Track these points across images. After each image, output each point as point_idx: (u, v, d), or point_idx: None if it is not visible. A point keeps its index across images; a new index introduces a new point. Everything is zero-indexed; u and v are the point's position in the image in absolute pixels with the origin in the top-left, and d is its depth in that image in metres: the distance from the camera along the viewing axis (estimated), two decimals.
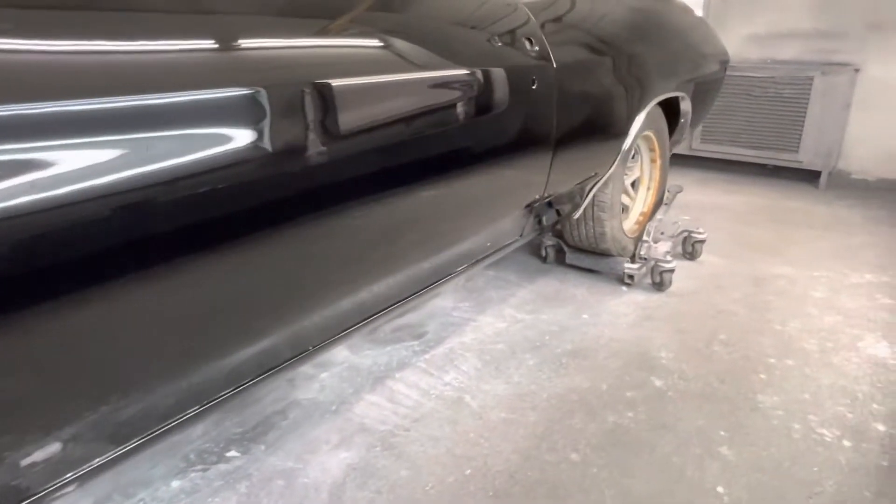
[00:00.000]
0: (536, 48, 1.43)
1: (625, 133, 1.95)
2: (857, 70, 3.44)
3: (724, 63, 2.85)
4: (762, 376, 1.65)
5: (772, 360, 1.73)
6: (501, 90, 1.30)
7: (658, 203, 2.50)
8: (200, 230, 0.76)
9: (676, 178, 3.76)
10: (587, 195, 1.99)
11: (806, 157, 3.49)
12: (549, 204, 1.75)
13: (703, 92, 2.58)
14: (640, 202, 2.48)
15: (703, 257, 2.49)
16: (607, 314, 2.04)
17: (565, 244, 2.36)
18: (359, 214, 1.03)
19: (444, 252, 1.38)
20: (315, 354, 1.15)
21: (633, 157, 2.38)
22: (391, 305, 1.28)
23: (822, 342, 1.82)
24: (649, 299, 2.14)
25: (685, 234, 2.48)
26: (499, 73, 1.29)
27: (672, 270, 2.16)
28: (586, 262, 2.33)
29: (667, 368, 1.70)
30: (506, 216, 1.56)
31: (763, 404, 1.53)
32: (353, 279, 1.11)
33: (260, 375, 1.01)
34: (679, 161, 4.08)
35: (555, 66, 1.48)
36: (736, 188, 3.55)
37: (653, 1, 2.28)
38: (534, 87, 1.40)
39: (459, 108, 1.20)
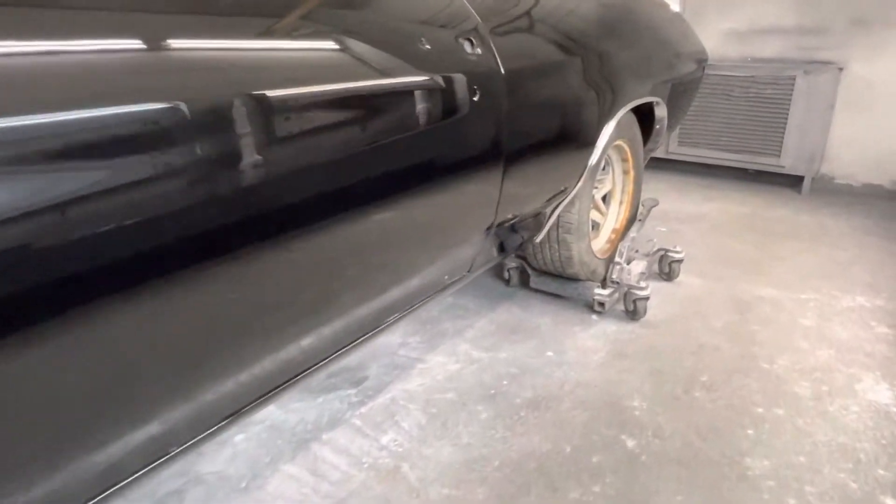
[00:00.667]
0: (479, 51, 1.17)
1: (592, 145, 1.70)
2: (840, 69, 3.25)
3: (703, 62, 2.63)
4: (749, 432, 1.42)
5: (760, 410, 1.50)
6: (430, 104, 1.04)
7: (632, 219, 2.26)
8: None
9: (652, 183, 3.54)
10: (550, 217, 1.74)
11: (788, 162, 3.30)
12: (505, 230, 1.50)
13: (680, 93, 2.35)
14: (612, 218, 2.24)
15: (681, 277, 2.26)
16: (574, 350, 1.80)
17: (529, 267, 2.12)
18: (262, 258, 0.80)
19: (368, 301, 1.12)
20: (217, 433, 0.89)
21: (603, 169, 2.14)
22: (295, 376, 1.02)
23: (815, 385, 1.60)
24: (622, 330, 1.91)
25: (661, 252, 2.25)
26: (427, 84, 1.03)
27: (647, 298, 1.93)
28: (552, 286, 2.09)
29: (640, 422, 1.47)
30: (448, 251, 1.31)
31: (752, 471, 1.30)
32: (261, 336, 0.86)
33: (135, 475, 0.77)
34: (655, 165, 3.86)
35: (503, 72, 1.23)
36: (715, 194, 3.35)
37: None
38: (475, 99, 1.14)
39: (374, 129, 0.94)
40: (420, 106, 1.03)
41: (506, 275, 2.22)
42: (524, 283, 2.17)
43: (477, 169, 1.22)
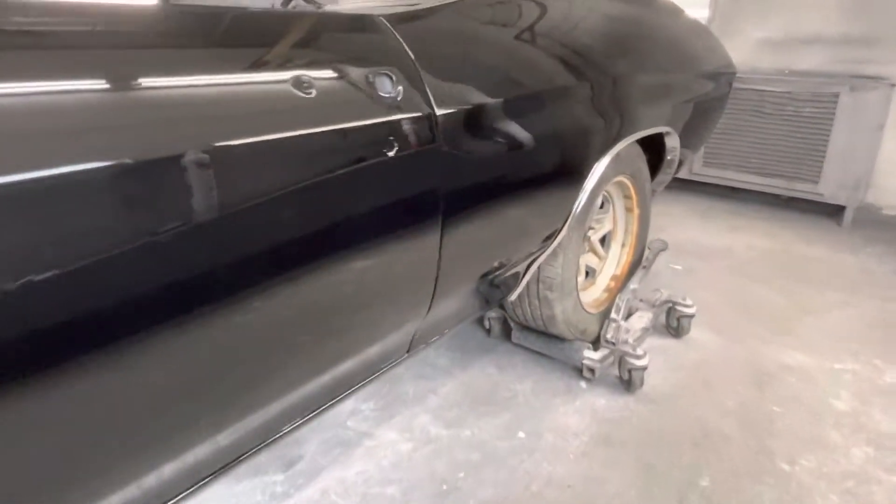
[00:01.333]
0: (400, 89, 0.89)
1: (577, 189, 1.41)
2: (893, 85, 2.85)
3: (730, 77, 2.29)
4: None
5: None
6: (322, 162, 0.78)
7: (636, 263, 1.95)
8: None
9: (673, 206, 3.20)
10: (526, 273, 1.46)
11: (828, 189, 2.91)
12: (460, 296, 1.22)
13: (703, 113, 2.03)
14: (612, 263, 1.93)
15: (692, 333, 1.94)
16: (552, 432, 1.51)
17: (510, 319, 1.83)
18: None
19: (277, 399, 0.88)
20: None
21: (601, 208, 1.84)
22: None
23: (845, 499, 1.28)
24: (613, 405, 1.60)
25: (669, 304, 1.93)
26: (310, 140, 0.76)
27: (644, 368, 1.62)
28: (536, 344, 1.79)
29: None
30: (373, 337, 1.04)
31: None
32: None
33: None
34: (678, 187, 3.51)
35: (438, 114, 0.94)
36: (742, 223, 2.98)
37: (628, 4, 1.72)
38: (390, 155, 0.86)
39: (243, 195, 0.68)
40: (314, 166, 0.76)
41: (486, 324, 1.93)
42: (507, 334, 1.88)
43: (396, 238, 0.94)
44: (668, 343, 1.90)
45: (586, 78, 1.35)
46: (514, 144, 1.14)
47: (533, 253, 1.38)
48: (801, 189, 2.99)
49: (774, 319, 2.05)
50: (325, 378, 0.98)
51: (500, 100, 1.08)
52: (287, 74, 0.76)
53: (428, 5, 1.06)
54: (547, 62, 1.25)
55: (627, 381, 1.65)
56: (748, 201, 3.28)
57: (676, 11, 1.95)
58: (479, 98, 1.04)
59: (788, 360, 1.81)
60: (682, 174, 3.36)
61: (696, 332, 1.94)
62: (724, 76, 2.18)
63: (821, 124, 2.86)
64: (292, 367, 0.88)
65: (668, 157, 1.92)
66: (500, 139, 1.10)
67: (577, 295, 1.66)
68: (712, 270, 2.44)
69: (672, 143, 1.86)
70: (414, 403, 1.63)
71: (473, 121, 1.02)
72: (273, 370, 0.84)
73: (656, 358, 1.80)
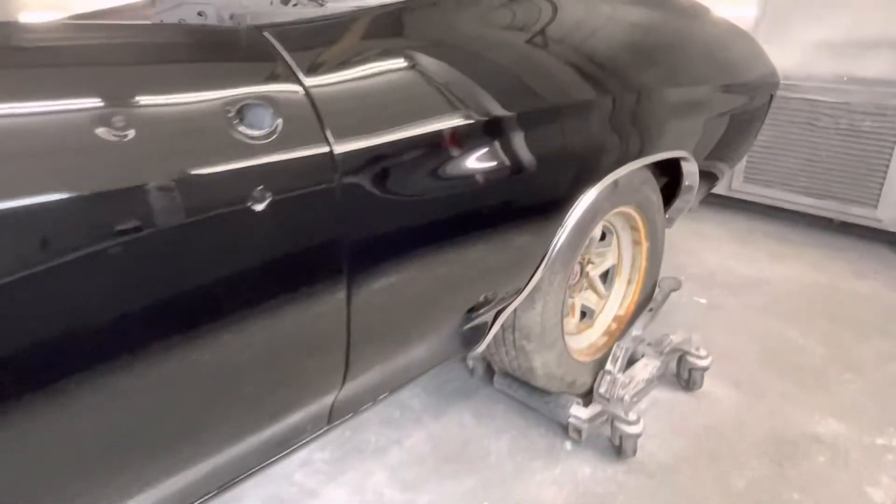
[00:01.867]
0: (279, 122, 0.71)
1: (550, 228, 1.19)
2: None
3: (771, 87, 2.00)
4: None
5: None
6: (152, 223, 0.60)
7: (643, 302, 1.71)
8: None
9: (708, 227, 2.89)
10: (493, 325, 1.25)
11: (888, 215, 2.55)
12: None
13: (736, 126, 1.77)
14: (616, 301, 1.69)
15: (707, 385, 1.68)
16: None
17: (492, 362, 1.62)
18: None
19: (192, 466, 0.74)
20: None
21: (602, 240, 1.60)
22: None
23: None
24: (598, 476, 1.38)
25: (679, 353, 1.67)
26: (132, 195, 0.58)
27: (637, 435, 1.38)
28: (519, 393, 1.58)
29: None
30: (280, 403, 0.86)
31: None
32: None
33: None
34: (716, 202, 3.19)
35: (338, 151, 0.75)
36: (785, 251, 2.65)
37: (644, 7, 1.48)
38: (257, 207, 0.68)
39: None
40: (130, 229, 0.59)
41: (469, 363, 1.73)
42: (491, 376, 1.67)
43: (286, 302, 0.76)
44: (677, 398, 1.65)
45: (568, 97, 1.13)
46: (455, 179, 0.93)
47: (496, 302, 1.17)
48: (857, 213, 2.63)
49: (808, 373, 1.76)
50: (230, 453, 0.82)
51: (435, 127, 0.88)
52: (89, 108, 0.58)
53: (335, 14, 0.87)
54: (505, 78, 1.03)
55: (618, 447, 1.42)
56: (796, 223, 2.94)
57: (701, 14, 1.69)
58: (402, 126, 0.83)
59: (819, 428, 1.53)
60: (720, 189, 3.04)
61: (711, 385, 1.68)
62: (762, 87, 1.90)
63: (882, 140, 2.50)
64: (191, 442, 0.74)
65: (686, 183, 1.66)
66: (433, 173, 0.89)
67: (564, 344, 1.43)
68: (742, 307, 2.15)
69: (690, 168, 1.60)
70: (373, 456, 1.45)
71: (394, 154, 0.83)
72: (177, 441, 0.73)
73: (659, 417, 1.56)
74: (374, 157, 0.79)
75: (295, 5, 1.40)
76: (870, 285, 2.32)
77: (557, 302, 1.34)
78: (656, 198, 1.58)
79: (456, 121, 0.91)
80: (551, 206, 1.16)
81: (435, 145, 0.88)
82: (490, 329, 1.25)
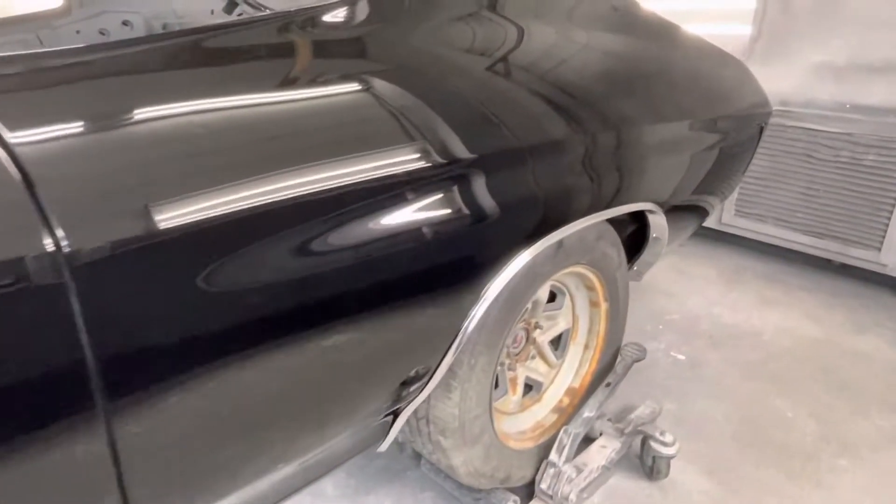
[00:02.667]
0: None
1: (459, 302, 0.93)
2: None
3: (763, 118, 1.76)
4: None
5: None
6: None
7: (603, 372, 1.46)
8: None
9: (695, 264, 2.64)
10: (393, 424, 1.00)
11: (893, 259, 2.29)
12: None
13: (725, 158, 1.54)
14: (570, 371, 1.44)
15: (674, 472, 1.42)
16: None
17: None
18: None
19: None
20: None
21: (550, 301, 1.36)
22: None
23: None
24: None
25: (641, 435, 1.42)
26: None
27: None
28: (447, 484, 1.32)
29: None
30: None
31: None
32: None
33: None
34: (704, 237, 2.93)
35: (68, 248, 0.51)
36: (778, 296, 2.39)
37: (606, 32, 1.24)
38: None
39: None
40: None
41: (399, 437, 1.48)
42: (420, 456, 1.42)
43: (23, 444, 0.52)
44: (639, 487, 1.40)
45: (482, 144, 0.88)
46: (301, 253, 0.68)
47: (390, 404, 0.92)
48: (859, 256, 2.38)
49: (796, 457, 1.50)
50: None
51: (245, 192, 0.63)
52: None
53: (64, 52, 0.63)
54: (374, 115, 0.79)
55: None
56: (791, 262, 2.68)
57: (681, 40, 1.45)
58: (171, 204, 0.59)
59: None
60: (710, 222, 2.79)
61: (680, 472, 1.43)
62: (751, 117, 1.66)
63: (887, 176, 2.25)
64: None
65: (654, 236, 1.41)
66: (227, 254, 0.64)
67: (493, 435, 1.18)
68: (726, 364, 1.89)
69: (657, 220, 1.35)
70: None
71: (167, 239, 0.58)
72: None
73: None
74: (119, 254, 0.54)
75: (240, 14, 1.18)
76: (871, 342, 2.06)
77: (482, 389, 1.09)
78: (617, 253, 1.34)
79: (298, 180, 0.67)
80: (461, 278, 0.91)
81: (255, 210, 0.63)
82: (392, 428, 1.00)
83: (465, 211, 0.85)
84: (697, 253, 2.79)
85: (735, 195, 2.66)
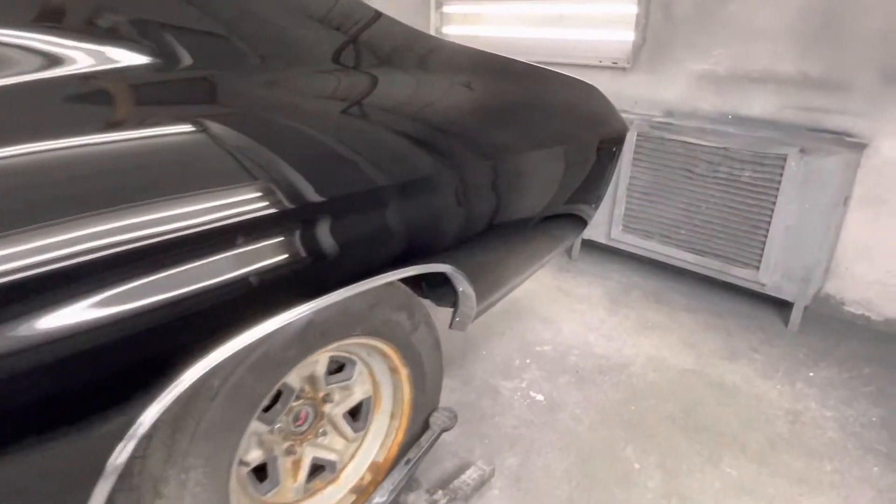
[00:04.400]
0: None
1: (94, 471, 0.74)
2: (863, 145, 2.14)
3: (615, 143, 1.64)
4: None
5: None
6: None
7: (409, 442, 1.30)
8: None
9: (584, 283, 2.52)
10: None
11: (770, 279, 2.22)
12: None
13: (580, 176, 1.42)
14: (374, 444, 1.29)
15: None
16: None
17: None
18: None
19: None
20: None
21: (340, 370, 1.20)
22: None
23: None
24: None
25: None
26: None
27: None
28: None
29: None
30: None
31: None
32: None
33: None
34: (593, 252, 2.82)
35: None
36: (659, 318, 2.30)
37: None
38: None
39: None
40: None
41: None
42: None
43: None
44: None
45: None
46: None
47: None
48: (739, 275, 2.30)
49: None
50: None
51: None
52: None
53: None
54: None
55: None
56: (680, 279, 2.59)
57: (483, 63, 1.29)
58: None
59: None
60: (601, 237, 2.68)
61: None
62: (607, 142, 1.53)
63: (763, 194, 2.16)
64: None
65: (461, 290, 1.25)
66: None
67: None
68: (584, 408, 1.77)
69: (462, 287, 1.20)
70: None
71: None
72: None
73: None
74: None
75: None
76: (740, 371, 1.97)
77: (209, 501, 0.92)
78: (407, 316, 1.18)
79: None
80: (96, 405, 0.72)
81: None
82: None
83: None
84: (587, 270, 2.67)
85: (622, 209, 2.56)
